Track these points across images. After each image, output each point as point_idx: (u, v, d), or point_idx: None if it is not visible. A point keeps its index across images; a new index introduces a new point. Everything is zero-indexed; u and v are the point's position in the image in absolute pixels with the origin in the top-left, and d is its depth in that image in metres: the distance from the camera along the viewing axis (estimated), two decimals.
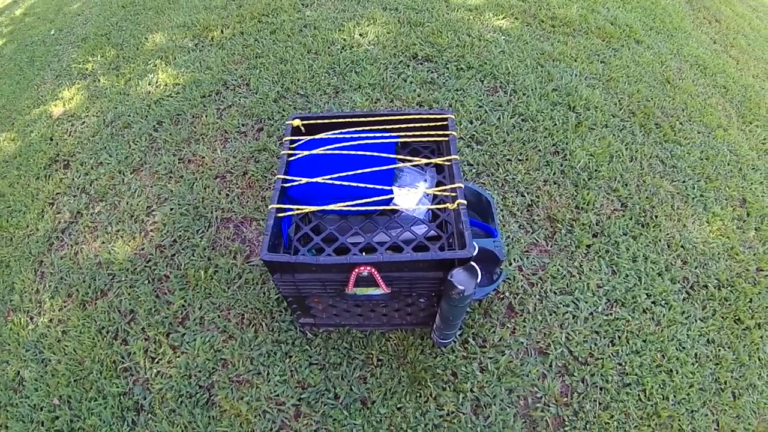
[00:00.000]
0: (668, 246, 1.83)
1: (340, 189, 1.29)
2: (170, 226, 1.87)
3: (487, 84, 2.31)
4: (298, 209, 1.28)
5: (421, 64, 2.42)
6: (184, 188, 1.98)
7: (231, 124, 2.19)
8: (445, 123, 1.43)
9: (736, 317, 1.67)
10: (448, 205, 1.28)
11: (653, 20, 2.95)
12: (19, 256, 1.94)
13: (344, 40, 2.55)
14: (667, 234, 1.86)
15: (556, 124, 2.15)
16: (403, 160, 1.41)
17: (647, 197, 1.96)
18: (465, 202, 1.24)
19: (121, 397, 1.52)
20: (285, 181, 1.31)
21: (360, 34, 2.58)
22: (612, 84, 2.40)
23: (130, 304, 1.70)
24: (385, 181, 1.31)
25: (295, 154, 1.38)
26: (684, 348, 1.58)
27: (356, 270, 1.16)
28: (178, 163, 2.09)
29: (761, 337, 1.64)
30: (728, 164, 2.17)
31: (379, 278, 1.19)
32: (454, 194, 1.28)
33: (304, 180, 1.30)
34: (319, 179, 1.30)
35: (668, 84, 2.50)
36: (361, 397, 1.45)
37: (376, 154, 1.35)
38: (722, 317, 1.67)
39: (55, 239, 1.96)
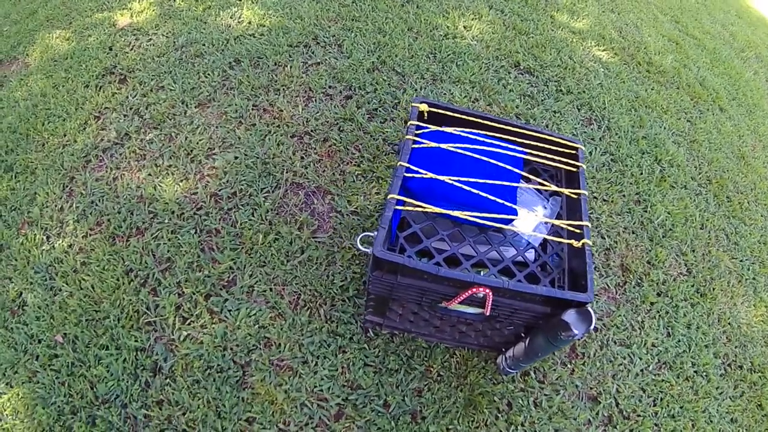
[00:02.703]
0: (719, 320, 1.82)
1: (462, 193, 1.18)
2: (231, 176, 1.72)
3: (584, 114, 2.22)
4: (418, 206, 1.16)
5: (522, 74, 2.31)
6: (255, 138, 1.83)
7: (318, 83, 2.03)
8: (573, 152, 1.34)
9: (759, 403, 1.68)
10: (573, 242, 1.19)
11: (736, 91, 2.91)
12: (48, 166, 1.76)
13: (447, 27, 2.40)
14: (720, 308, 1.85)
15: (642, 173, 2.08)
16: (528, 179, 1.31)
17: (709, 268, 1.93)
18: (591, 243, 1.15)
19: (138, 352, 1.37)
20: (407, 170, 1.20)
21: (464, 27, 2.44)
22: (695, 146, 2.35)
23: (168, 252, 1.54)
24: (510, 197, 1.21)
25: (419, 143, 1.26)
26: (712, 422, 1.57)
27: (473, 290, 1.06)
28: (252, 109, 1.92)
29: None
30: None
31: (490, 302, 1.09)
32: (578, 231, 1.19)
33: (429, 175, 1.19)
34: (444, 178, 1.18)
35: (743, 160, 2.47)
36: (413, 410, 1.36)
37: (506, 166, 1.25)
38: (748, 400, 1.67)
39: (94, 157, 1.77)
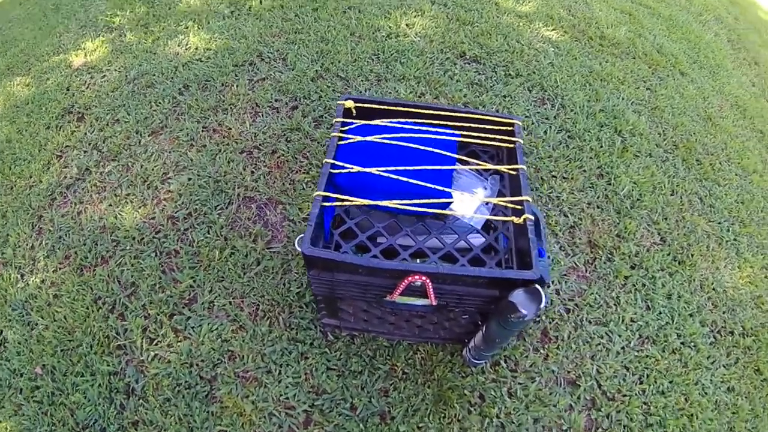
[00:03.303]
0: (701, 287, 1.77)
1: (393, 183, 1.17)
2: (186, 197, 1.74)
3: (535, 95, 2.21)
4: (346, 201, 1.16)
5: (469, 63, 2.31)
6: (206, 159, 1.84)
7: (263, 97, 2.05)
8: (510, 129, 1.32)
9: (756, 368, 1.62)
10: (513, 219, 1.17)
11: (697, 54, 2.89)
12: (17, 208, 1.80)
13: (390, 27, 2.43)
14: (701, 275, 1.80)
15: (602, 146, 2.06)
16: (464, 162, 1.30)
17: (685, 234, 1.89)
18: (533, 217, 1.13)
19: (111, 376, 1.39)
20: (333, 166, 1.19)
21: (407, 25, 2.46)
22: (657, 113, 2.32)
23: (132, 276, 1.56)
24: (445, 182, 1.20)
25: (346, 139, 1.26)
26: (706, 393, 1.52)
27: (409, 279, 1.04)
28: (202, 131, 1.94)
29: None
30: (761, 211, 2.11)
31: (431, 290, 1.08)
32: (519, 207, 1.17)
33: (356, 168, 1.18)
34: (372, 170, 1.18)
35: (710, 121, 2.44)
36: (381, 411, 1.34)
37: (435, 150, 1.24)
38: (744, 366, 1.61)
39: (59, 194, 1.81)
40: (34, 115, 2.14)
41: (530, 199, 1.17)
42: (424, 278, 1.04)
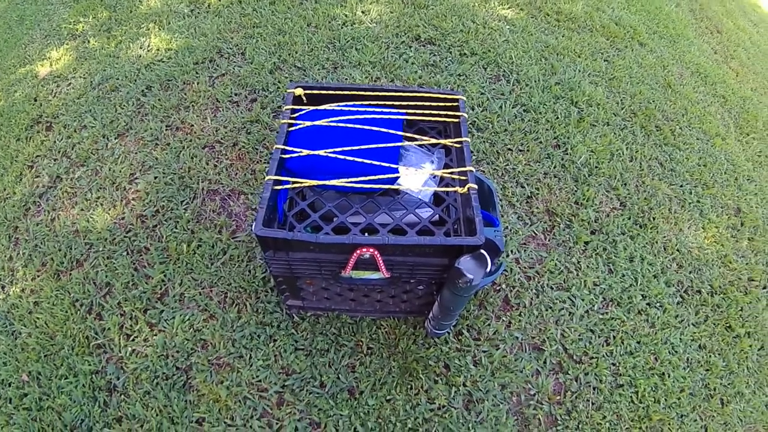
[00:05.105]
0: (664, 249, 1.82)
1: (342, 164, 1.22)
2: (153, 195, 1.77)
3: (490, 72, 2.26)
4: (296, 183, 1.20)
5: (424, 46, 2.35)
6: (170, 156, 1.88)
7: (223, 93, 2.09)
8: (455, 104, 1.37)
9: (727, 324, 1.68)
10: (458, 189, 1.22)
11: (657, 25, 2.94)
12: None
13: (345, 15, 2.46)
14: (664, 237, 1.85)
15: (558, 118, 2.11)
16: (410, 139, 1.34)
17: (646, 198, 1.95)
18: (476, 186, 1.18)
19: (93, 375, 1.42)
20: (284, 152, 1.23)
21: (362, 12, 2.50)
22: (615, 83, 2.37)
23: (106, 277, 1.60)
24: (391, 158, 1.24)
25: (296, 125, 1.30)
26: (677, 352, 1.57)
27: (358, 252, 1.09)
28: (166, 130, 1.98)
29: (750, 345, 1.64)
30: (725, 173, 2.17)
31: (380, 262, 1.12)
32: (463, 178, 1.22)
33: (305, 152, 1.22)
34: (320, 152, 1.22)
35: (670, 88, 2.49)
36: (349, 386, 1.39)
37: (382, 129, 1.28)
38: (714, 323, 1.67)
39: (32, 204, 1.84)
40: (4, 128, 2.15)
41: (473, 170, 1.22)
42: (372, 250, 1.09)
